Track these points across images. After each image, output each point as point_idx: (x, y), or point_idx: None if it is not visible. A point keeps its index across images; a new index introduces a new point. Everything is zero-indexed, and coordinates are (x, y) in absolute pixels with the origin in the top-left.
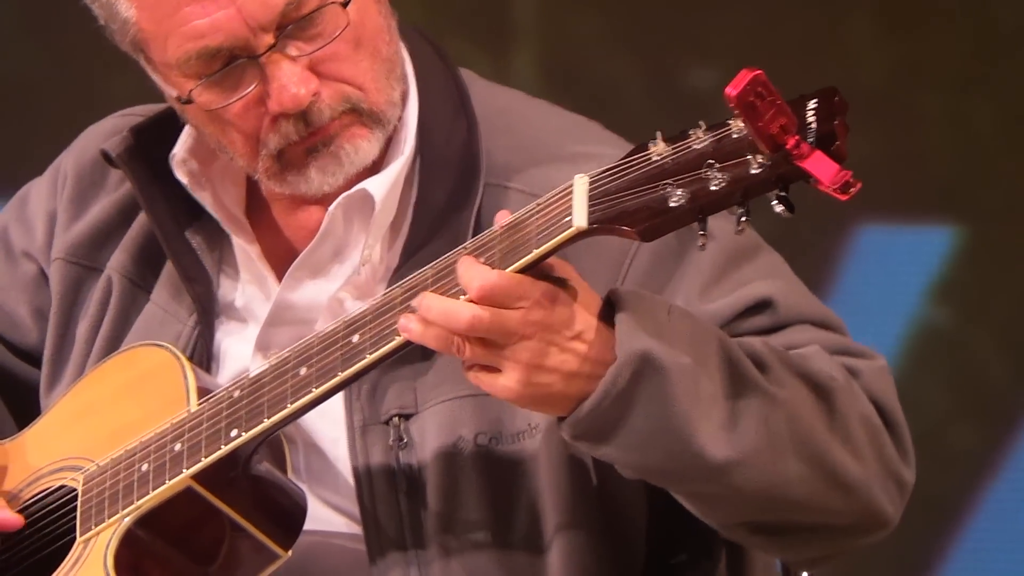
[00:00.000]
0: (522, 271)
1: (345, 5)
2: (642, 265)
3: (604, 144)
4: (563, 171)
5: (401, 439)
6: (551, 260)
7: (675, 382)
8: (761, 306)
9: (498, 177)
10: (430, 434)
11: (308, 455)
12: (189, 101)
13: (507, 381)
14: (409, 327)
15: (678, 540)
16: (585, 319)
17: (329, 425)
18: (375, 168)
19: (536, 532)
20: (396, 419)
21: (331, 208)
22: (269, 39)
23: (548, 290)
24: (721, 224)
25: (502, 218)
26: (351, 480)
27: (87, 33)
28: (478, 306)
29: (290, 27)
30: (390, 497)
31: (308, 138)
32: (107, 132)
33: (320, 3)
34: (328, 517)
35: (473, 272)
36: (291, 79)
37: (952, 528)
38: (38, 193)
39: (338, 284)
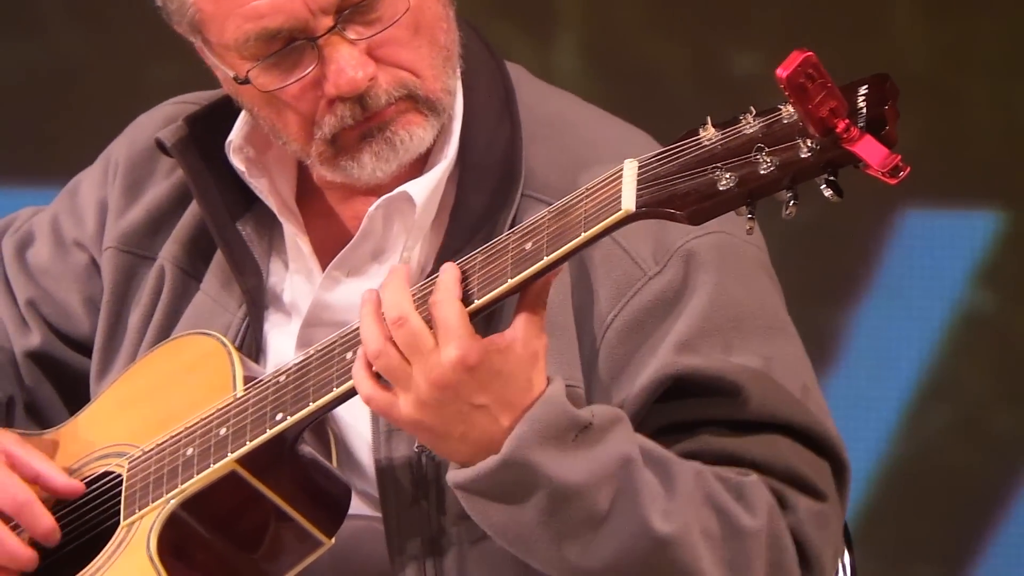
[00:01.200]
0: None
1: None
2: (643, 301)
3: None
4: None
5: (425, 447)
6: (534, 291)
7: (549, 495)
8: (733, 392)
9: (535, 189)
10: None
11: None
12: (246, 82)
13: (400, 406)
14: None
15: None
16: (500, 394)
17: (356, 428)
18: (424, 159)
19: None
20: None
21: (371, 209)
22: (328, 21)
23: (477, 354)
24: (733, 287)
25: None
26: (374, 475)
27: (132, 22)
28: (416, 313)
29: (349, 10)
30: (412, 499)
31: (363, 123)
32: (159, 120)
33: None
34: (355, 502)
35: (441, 297)
36: (349, 62)
37: (994, 513)
38: (89, 183)
39: (375, 285)
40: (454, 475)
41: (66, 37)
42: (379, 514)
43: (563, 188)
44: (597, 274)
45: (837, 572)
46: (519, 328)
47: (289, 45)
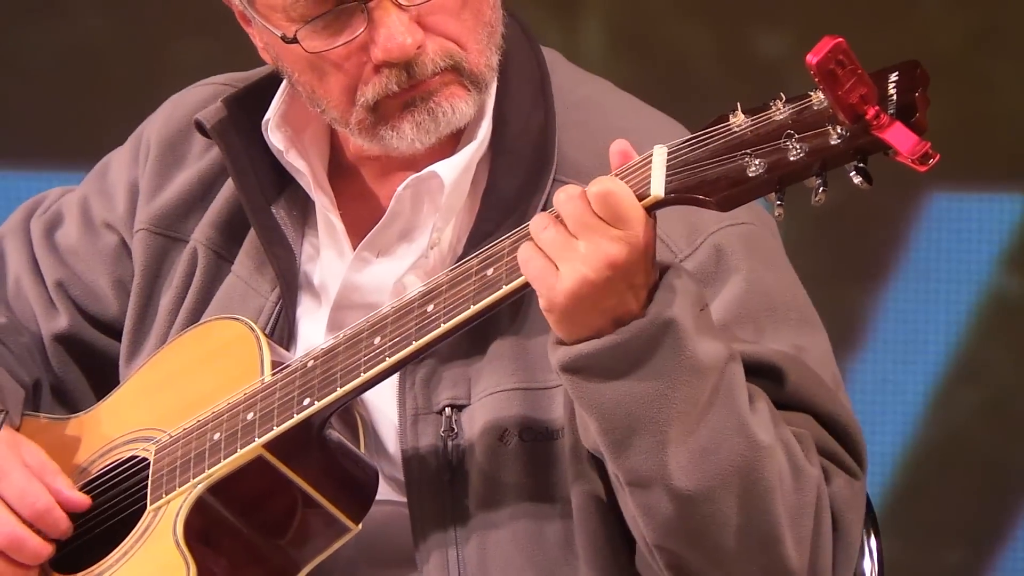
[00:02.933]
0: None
1: None
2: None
3: None
4: None
5: (451, 429)
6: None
7: (682, 366)
8: (767, 373)
9: (567, 174)
10: (478, 426)
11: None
12: (294, 41)
13: (559, 280)
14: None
15: None
16: (649, 277)
17: (382, 413)
18: (456, 137)
19: (567, 526)
20: (448, 409)
21: (399, 189)
22: None
23: (649, 237)
24: (767, 275)
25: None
26: (400, 463)
27: (158, 2)
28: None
29: None
30: (436, 486)
31: (407, 91)
32: (192, 101)
33: None
34: (380, 486)
35: (603, 177)
36: (398, 28)
37: (1021, 496)
38: (119, 163)
39: (405, 266)
40: (581, 348)
41: (92, 18)
42: (401, 498)
43: (595, 173)
44: None
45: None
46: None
47: (338, 7)
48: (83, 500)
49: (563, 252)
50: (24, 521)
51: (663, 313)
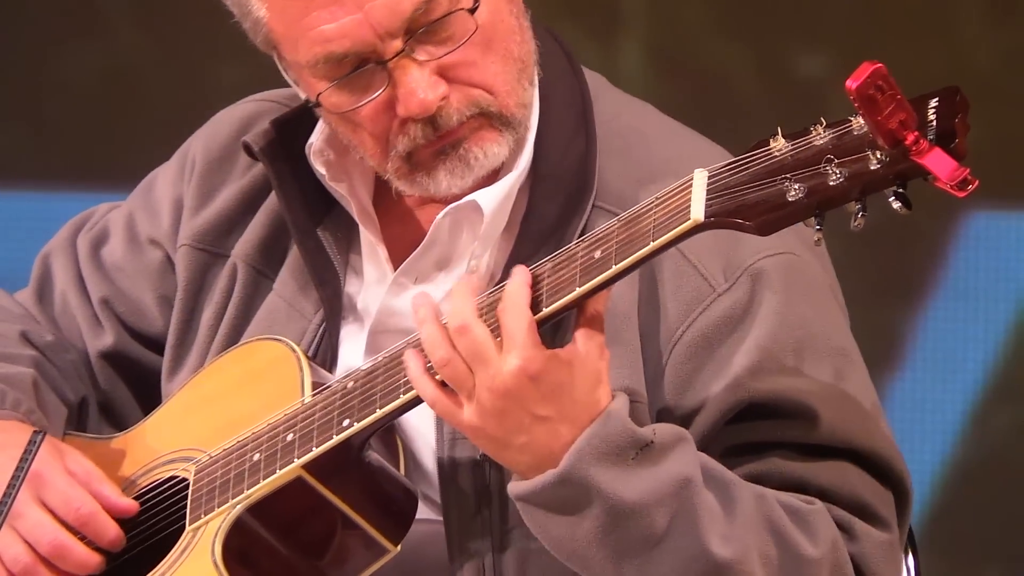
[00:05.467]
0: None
1: (473, 11)
2: (712, 318)
3: None
4: None
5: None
6: (592, 309)
7: (609, 512)
8: (797, 415)
9: (607, 201)
10: None
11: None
12: (317, 105)
13: (464, 414)
14: (417, 303)
15: None
16: (559, 408)
17: (419, 436)
18: (498, 167)
19: None
20: None
21: (438, 217)
22: (397, 44)
23: (541, 364)
24: (803, 309)
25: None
26: (437, 482)
27: (198, 22)
28: (480, 319)
29: (419, 32)
30: (473, 506)
31: (436, 141)
32: (238, 118)
33: (448, 9)
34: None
35: (509, 299)
36: (419, 84)
37: None
38: (164, 179)
39: (442, 292)
40: (514, 487)
41: (133, 38)
42: (438, 516)
43: (635, 200)
44: (666, 289)
45: None
46: (580, 343)
47: (360, 68)
48: (130, 504)
49: (464, 387)
50: (70, 529)
51: (572, 469)
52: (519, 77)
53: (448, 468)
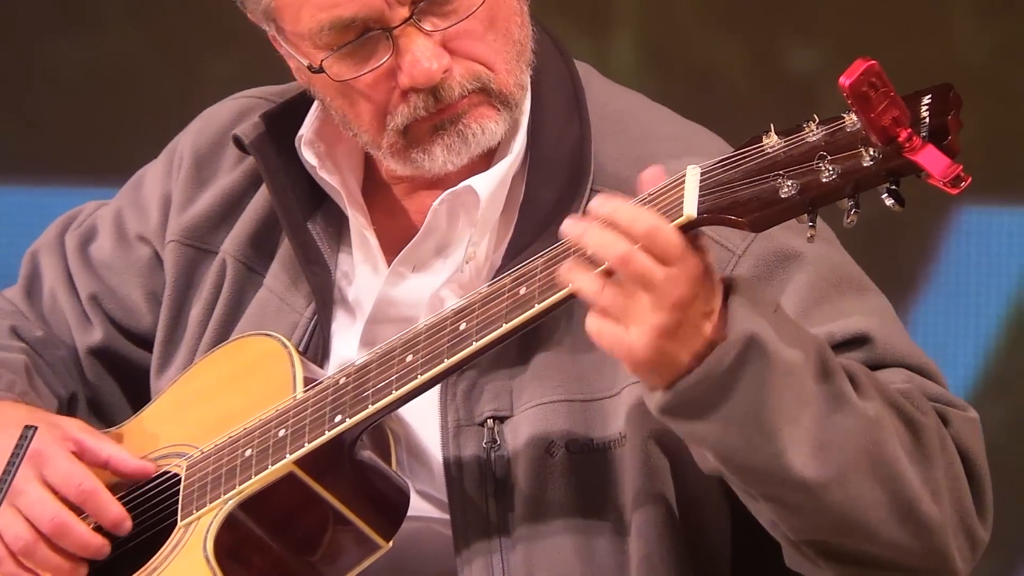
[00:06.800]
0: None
1: None
2: (740, 275)
3: (714, 155)
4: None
5: (494, 441)
6: (703, 239)
7: (776, 371)
8: (859, 341)
9: (606, 184)
10: (522, 437)
11: (400, 455)
12: (320, 71)
13: (635, 340)
14: (566, 230)
15: (760, 556)
16: (719, 298)
17: (423, 425)
18: (491, 153)
19: (620, 540)
20: (491, 421)
21: (435, 204)
22: (404, 12)
23: (701, 262)
24: (825, 251)
25: (601, 203)
26: (443, 476)
27: (190, 18)
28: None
29: (425, 1)
30: (479, 498)
31: (436, 114)
32: (227, 114)
33: None
34: (417, 503)
35: (644, 213)
36: (424, 53)
37: None
38: (153, 176)
39: (441, 280)
40: (675, 389)
41: (125, 34)
42: (441, 515)
43: (633, 181)
44: None
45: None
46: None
47: (364, 35)
48: (143, 466)
49: (629, 312)
50: (73, 508)
51: (743, 330)
52: (518, 58)
53: (453, 458)
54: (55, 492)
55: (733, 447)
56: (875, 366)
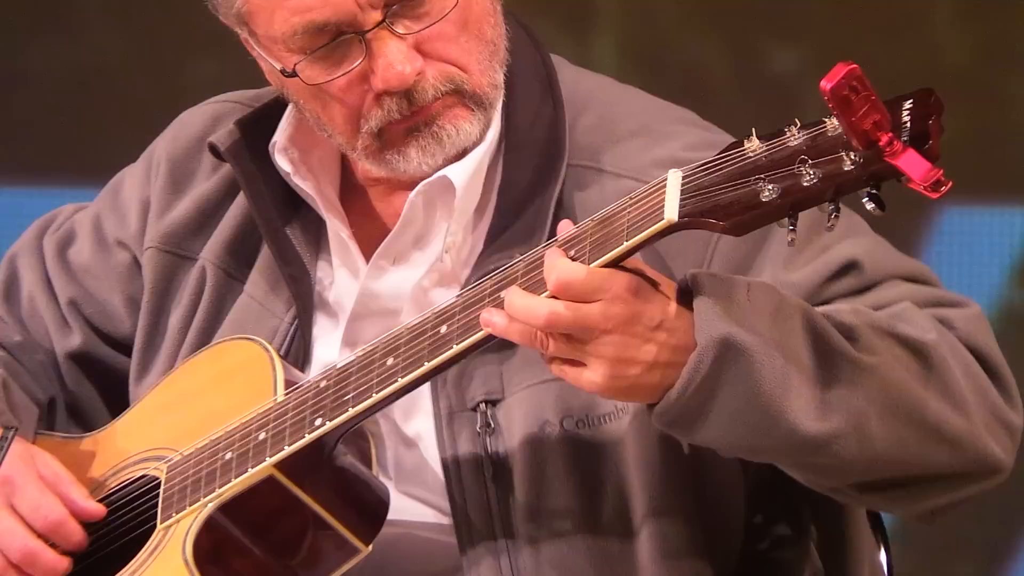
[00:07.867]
0: (610, 265)
1: None
2: (729, 241)
3: (685, 124)
4: (641, 148)
5: (488, 425)
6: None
7: (759, 362)
8: (848, 268)
9: (580, 157)
10: (517, 419)
11: (397, 450)
12: (293, 75)
13: (592, 376)
14: (492, 321)
15: (773, 526)
16: (664, 308)
17: (416, 416)
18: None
19: (625, 517)
20: (483, 405)
21: (411, 196)
22: (377, 15)
23: (627, 282)
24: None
25: (565, 228)
26: (439, 471)
27: (170, 20)
28: (558, 302)
29: (398, 5)
30: (478, 485)
31: (410, 117)
32: (202, 119)
33: None
34: (416, 509)
35: (553, 266)
36: (397, 57)
37: None
38: (131, 180)
39: (421, 271)
40: (660, 408)
41: (104, 35)
42: (440, 505)
43: (607, 149)
44: (676, 264)
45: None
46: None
47: (337, 39)
48: (98, 509)
49: (579, 353)
50: (39, 535)
51: (712, 334)
52: (491, 59)
53: (448, 445)
54: (23, 520)
55: (741, 437)
56: (867, 287)
